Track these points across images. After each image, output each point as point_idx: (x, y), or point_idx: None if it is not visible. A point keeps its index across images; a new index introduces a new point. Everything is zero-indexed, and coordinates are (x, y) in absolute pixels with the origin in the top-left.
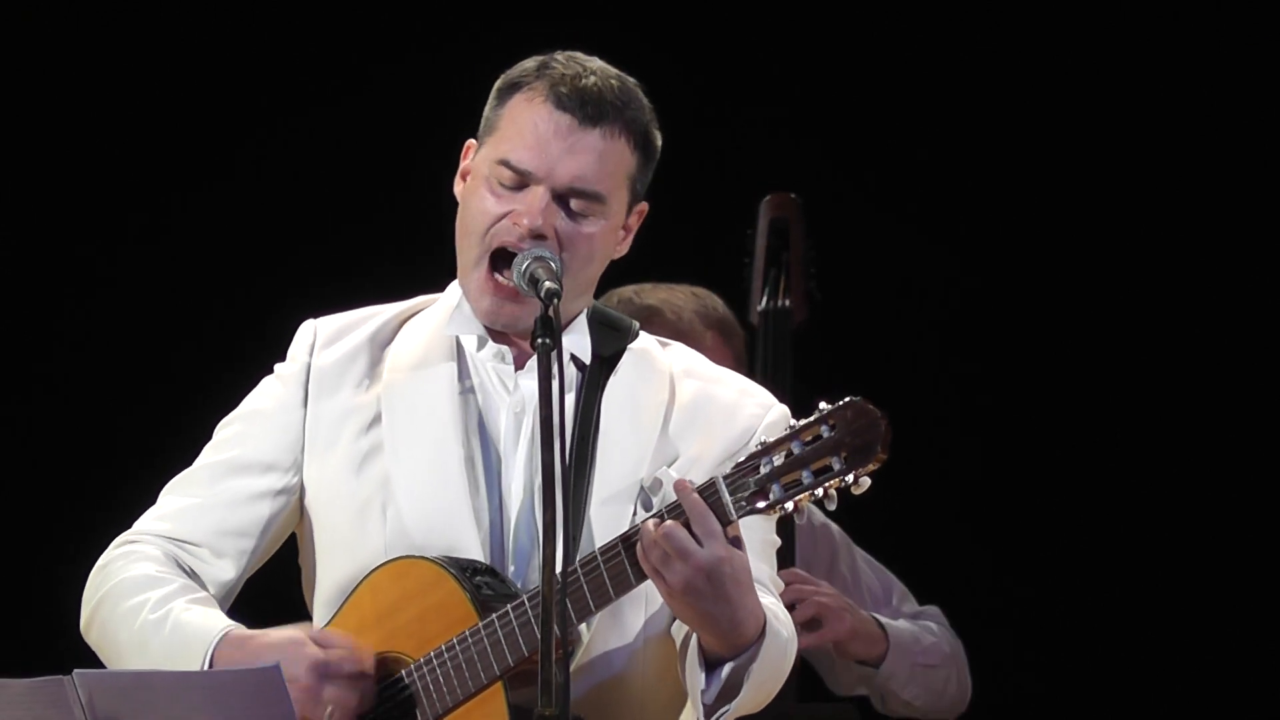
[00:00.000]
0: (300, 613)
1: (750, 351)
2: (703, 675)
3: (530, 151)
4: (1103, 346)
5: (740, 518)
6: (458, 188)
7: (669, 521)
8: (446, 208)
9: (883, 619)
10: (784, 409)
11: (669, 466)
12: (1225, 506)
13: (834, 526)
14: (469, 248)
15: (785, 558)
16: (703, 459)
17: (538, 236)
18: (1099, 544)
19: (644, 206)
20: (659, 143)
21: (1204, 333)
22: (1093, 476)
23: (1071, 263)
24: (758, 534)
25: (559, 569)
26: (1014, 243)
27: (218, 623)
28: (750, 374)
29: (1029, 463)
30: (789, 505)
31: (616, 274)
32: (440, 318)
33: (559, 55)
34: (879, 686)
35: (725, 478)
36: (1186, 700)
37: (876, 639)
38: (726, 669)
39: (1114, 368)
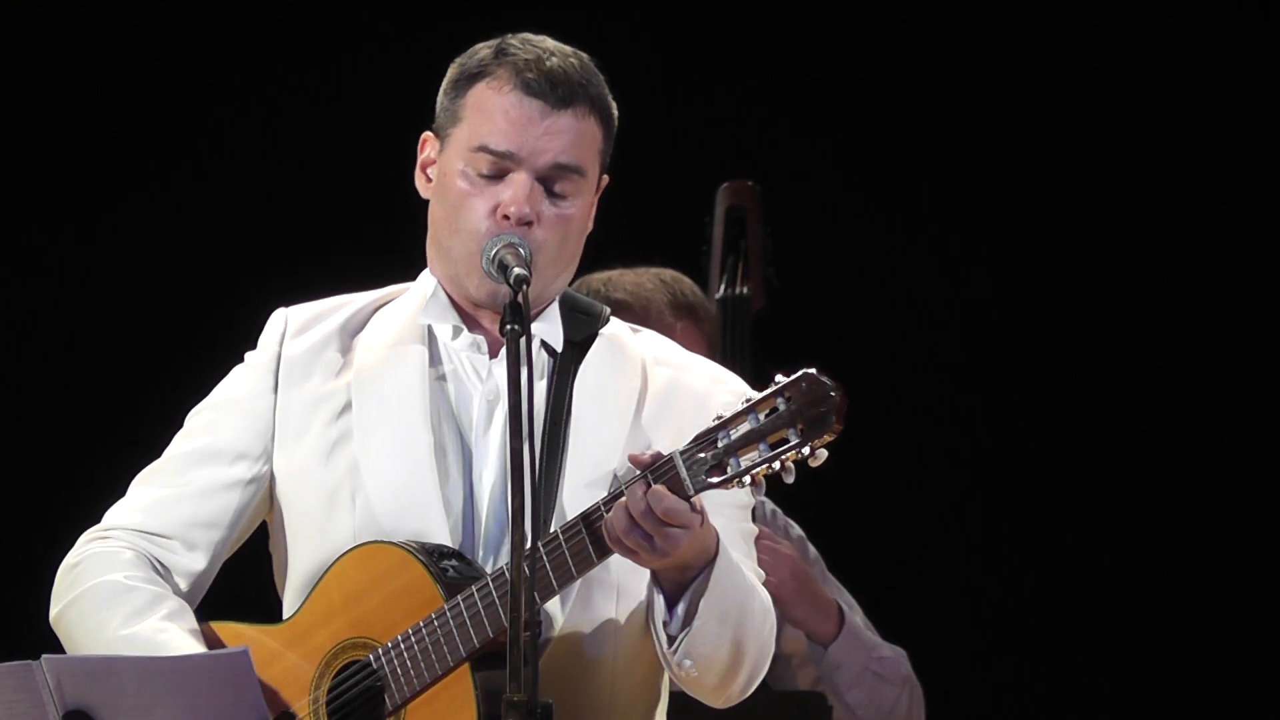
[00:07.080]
0: (271, 601)
1: None
2: (663, 604)
3: (509, 135)
4: (1067, 335)
5: (698, 492)
6: (420, 182)
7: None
8: (416, 194)
9: (845, 609)
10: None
11: None
12: (1208, 516)
13: (811, 546)
14: (459, 244)
15: None
16: (675, 448)
17: (525, 224)
18: (1059, 530)
19: (605, 179)
20: (616, 112)
21: (1177, 330)
22: (1053, 464)
23: (1034, 250)
24: (735, 524)
25: (526, 550)
26: (975, 229)
27: (185, 648)
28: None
29: (991, 449)
30: (746, 479)
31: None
32: (413, 306)
33: (511, 39)
34: (825, 677)
35: (682, 453)
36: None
37: (829, 614)
38: (684, 600)
39: (1078, 355)
